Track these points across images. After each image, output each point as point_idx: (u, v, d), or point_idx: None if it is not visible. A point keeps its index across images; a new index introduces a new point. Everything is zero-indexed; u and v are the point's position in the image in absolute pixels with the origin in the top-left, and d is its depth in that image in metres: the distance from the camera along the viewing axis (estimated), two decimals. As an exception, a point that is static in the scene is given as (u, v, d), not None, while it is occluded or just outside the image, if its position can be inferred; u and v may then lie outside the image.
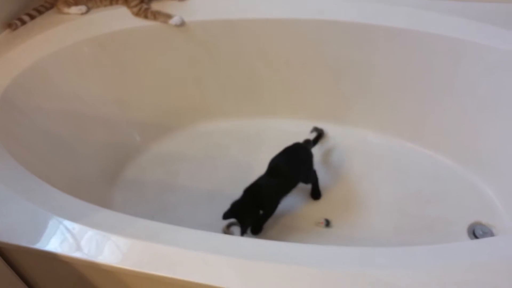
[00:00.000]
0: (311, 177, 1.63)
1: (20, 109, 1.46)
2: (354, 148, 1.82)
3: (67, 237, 0.97)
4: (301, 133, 1.74)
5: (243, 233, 1.42)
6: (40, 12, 1.75)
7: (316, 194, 1.65)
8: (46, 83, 1.58)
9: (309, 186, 1.65)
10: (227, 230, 1.54)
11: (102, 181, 1.73)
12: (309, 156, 1.61)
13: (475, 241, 1.31)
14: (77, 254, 0.93)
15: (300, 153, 1.59)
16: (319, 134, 1.83)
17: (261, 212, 1.49)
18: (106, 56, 1.73)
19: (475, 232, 1.49)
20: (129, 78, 1.81)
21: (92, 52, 1.71)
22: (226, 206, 1.47)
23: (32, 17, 1.72)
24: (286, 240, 1.51)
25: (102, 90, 1.76)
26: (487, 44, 1.49)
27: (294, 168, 1.54)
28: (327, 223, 1.55)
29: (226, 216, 1.41)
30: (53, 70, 1.61)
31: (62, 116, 1.61)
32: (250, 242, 0.98)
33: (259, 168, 1.53)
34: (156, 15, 1.67)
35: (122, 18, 1.72)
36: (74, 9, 1.71)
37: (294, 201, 1.62)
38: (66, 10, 1.72)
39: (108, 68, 1.76)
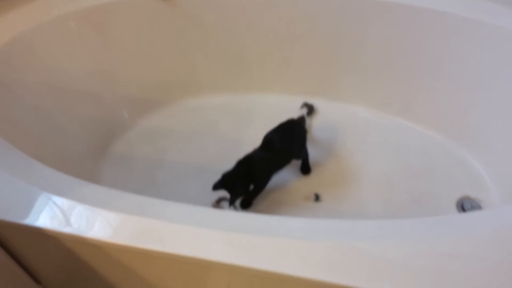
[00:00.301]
0: (302, 153, 1.63)
1: (2, 83, 1.43)
2: (344, 124, 1.82)
3: (54, 212, 0.96)
4: (291, 108, 1.74)
5: (231, 204, 1.42)
6: (23, -17, 1.70)
7: (305, 169, 1.65)
8: (30, 57, 1.54)
9: (299, 161, 1.65)
10: (216, 205, 1.54)
11: (90, 156, 1.71)
12: (303, 133, 1.61)
13: (463, 214, 1.32)
14: (65, 229, 0.93)
15: (295, 129, 1.58)
16: (309, 110, 1.83)
17: (251, 187, 1.49)
18: (92, 29, 1.70)
19: (464, 206, 1.51)
20: (116, 52, 1.78)
21: (77, 25, 1.67)
22: (214, 181, 1.47)
23: (14, -11, 1.67)
24: (275, 214, 1.52)
25: (88, 65, 1.73)
26: (479, 19, 1.49)
27: (288, 144, 1.53)
28: (317, 198, 1.56)
29: (216, 186, 1.40)
30: (37, 43, 1.57)
31: (47, 91, 1.58)
32: (238, 216, 0.98)
33: (248, 144, 1.52)
34: (142, -13, 1.64)
35: (108, -9, 1.68)
36: (58, -19, 1.67)
37: (284, 176, 1.61)
38: (50, -19, 1.67)
39: (94, 42, 1.72)
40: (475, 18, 1.49)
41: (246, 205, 1.54)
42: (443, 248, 0.83)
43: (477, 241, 0.85)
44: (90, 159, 1.70)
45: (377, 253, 0.82)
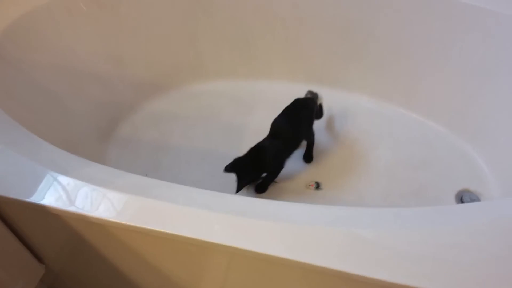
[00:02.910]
0: (310, 134, 1.64)
1: (10, 62, 1.43)
2: (347, 113, 1.82)
3: (59, 191, 0.97)
4: (295, 96, 1.73)
5: (237, 191, 1.43)
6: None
7: (308, 157, 1.66)
8: (37, 37, 1.54)
9: (302, 150, 1.65)
10: None
11: (95, 138, 1.73)
12: (310, 111, 1.61)
13: (462, 205, 1.32)
14: (69, 208, 0.93)
15: (300, 108, 1.58)
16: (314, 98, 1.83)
17: (263, 174, 1.51)
18: (100, 10, 1.70)
19: (463, 199, 1.51)
20: (124, 34, 1.78)
21: (85, 5, 1.67)
22: (218, 166, 1.47)
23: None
24: (276, 200, 1.53)
25: (95, 46, 1.73)
26: (488, 8, 1.48)
27: (296, 126, 1.53)
28: (317, 186, 1.57)
29: (227, 169, 1.42)
30: (44, 23, 1.57)
31: (54, 71, 1.58)
32: (239, 199, 0.99)
33: (252, 130, 1.53)
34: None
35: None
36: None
37: (286, 164, 1.62)
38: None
39: (103, 24, 1.73)
40: (484, 7, 1.48)
41: (261, 190, 1.56)
42: (441, 238, 0.84)
43: (475, 231, 0.85)
44: (95, 142, 1.72)
45: (375, 241, 0.83)
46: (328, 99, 1.86)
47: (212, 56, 1.92)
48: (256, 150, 1.47)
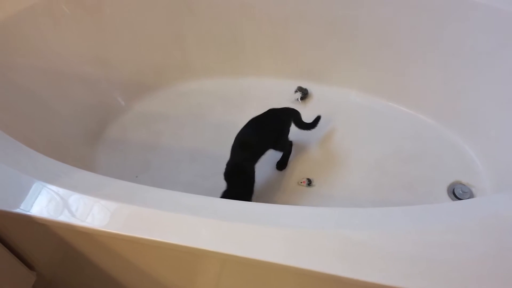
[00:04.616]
0: (282, 146, 1.59)
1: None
2: (337, 108, 1.81)
3: (46, 200, 0.95)
4: (285, 92, 1.72)
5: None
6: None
7: (281, 164, 1.62)
8: (20, 40, 1.52)
9: (298, 146, 1.65)
10: None
11: (84, 141, 1.71)
12: (282, 123, 1.54)
13: (453, 202, 1.33)
14: (56, 218, 0.92)
15: (269, 119, 1.51)
16: (303, 94, 1.82)
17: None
18: (84, 12, 1.68)
19: (455, 191, 1.51)
20: (110, 36, 1.76)
21: (69, 7, 1.64)
22: (209, 165, 1.45)
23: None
24: (268, 198, 1.53)
25: (81, 48, 1.71)
26: (475, 0, 1.46)
27: (259, 135, 1.47)
28: (309, 182, 1.56)
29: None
30: (28, 26, 1.54)
31: (39, 74, 1.56)
32: (227, 204, 0.98)
33: (242, 128, 1.51)
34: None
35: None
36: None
37: (277, 161, 1.62)
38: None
39: (87, 25, 1.70)
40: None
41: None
42: (431, 237, 0.83)
43: (465, 230, 0.85)
44: (84, 144, 1.70)
45: (365, 242, 0.82)
46: (318, 95, 1.86)
47: (199, 54, 1.90)
48: (237, 170, 1.41)
